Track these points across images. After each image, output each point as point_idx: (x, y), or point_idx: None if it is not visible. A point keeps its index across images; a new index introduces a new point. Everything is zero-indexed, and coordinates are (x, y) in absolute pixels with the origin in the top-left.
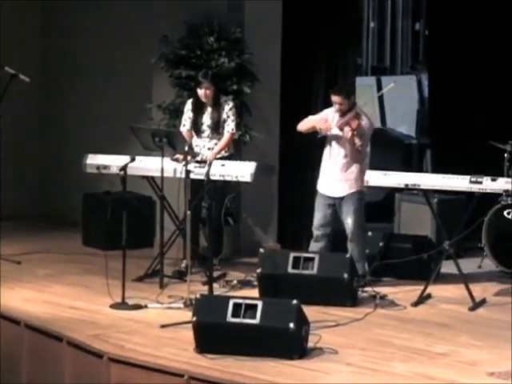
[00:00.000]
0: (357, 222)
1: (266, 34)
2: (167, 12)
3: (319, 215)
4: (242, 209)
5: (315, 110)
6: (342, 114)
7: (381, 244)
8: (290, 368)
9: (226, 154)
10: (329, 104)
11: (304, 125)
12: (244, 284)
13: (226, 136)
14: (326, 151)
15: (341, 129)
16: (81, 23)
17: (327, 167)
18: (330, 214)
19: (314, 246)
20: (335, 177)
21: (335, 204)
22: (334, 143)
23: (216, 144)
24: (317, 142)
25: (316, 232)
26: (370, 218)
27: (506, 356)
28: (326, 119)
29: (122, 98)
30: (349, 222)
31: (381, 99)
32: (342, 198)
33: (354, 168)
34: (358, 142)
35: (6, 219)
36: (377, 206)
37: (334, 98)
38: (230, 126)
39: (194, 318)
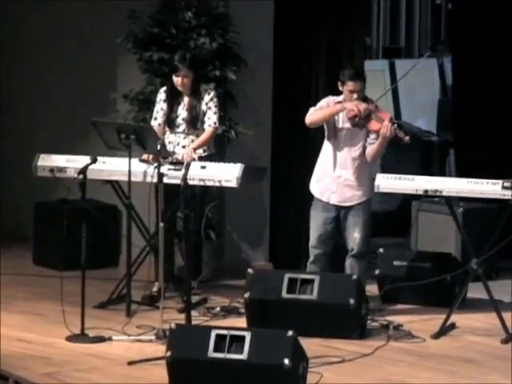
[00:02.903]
0: (366, 236)
1: (256, 8)
2: None
3: (318, 230)
4: (226, 220)
5: (314, 100)
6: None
7: (394, 263)
8: None
9: (206, 153)
10: (331, 92)
11: (318, 116)
12: (229, 311)
13: (208, 131)
14: (328, 147)
15: (356, 124)
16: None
17: (330, 167)
18: (331, 228)
19: (312, 268)
20: (344, 181)
21: (339, 215)
22: (343, 138)
23: (193, 142)
24: (318, 138)
25: (314, 251)
26: (382, 231)
27: None
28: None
29: (81, 86)
30: (356, 236)
31: (395, 87)
32: (349, 207)
33: (368, 170)
34: (406, 137)
35: None
36: (389, 217)
37: (354, 85)
38: (211, 120)
39: (168, 353)
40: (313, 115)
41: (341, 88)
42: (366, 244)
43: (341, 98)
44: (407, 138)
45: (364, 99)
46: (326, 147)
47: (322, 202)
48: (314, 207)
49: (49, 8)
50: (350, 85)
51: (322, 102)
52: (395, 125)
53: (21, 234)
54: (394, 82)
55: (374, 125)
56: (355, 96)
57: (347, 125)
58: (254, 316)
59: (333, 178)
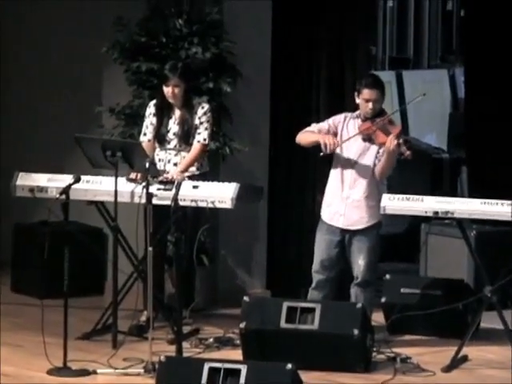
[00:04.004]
0: (371, 263)
1: (253, 15)
2: None
3: (322, 254)
4: (220, 244)
5: (315, 115)
6: (369, 118)
7: (402, 290)
8: None
9: (199, 171)
10: (333, 106)
11: (305, 137)
12: (223, 343)
13: (195, 148)
14: (336, 165)
15: (367, 138)
16: (11, 3)
17: (338, 188)
18: (336, 253)
19: (315, 295)
20: (351, 204)
21: (343, 239)
22: (353, 156)
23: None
24: (318, 156)
25: (317, 277)
26: (388, 256)
27: None
28: (334, 132)
29: (63, 99)
30: (360, 263)
31: (402, 100)
32: (355, 232)
33: (377, 192)
34: (408, 151)
35: None
36: (397, 241)
37: (370, 94)
38: (200, 136)
39: None
40: (300, 135)
41: (357, 99)
42: (371, 272)
43: (357, 113)
44: (408, 152)
45: (380, 112)
46: (335, 166)
47: (327, 224)
48: (319, 229)
49: (33, 15)
50: (365, 93)
51: (330, 120)
52: (400, 139)
53: None
54: (402, 95)
55: (380, 138)
56: (370, 106)
57: (357, 141)
58: (250, 348)
59: (341, 200)
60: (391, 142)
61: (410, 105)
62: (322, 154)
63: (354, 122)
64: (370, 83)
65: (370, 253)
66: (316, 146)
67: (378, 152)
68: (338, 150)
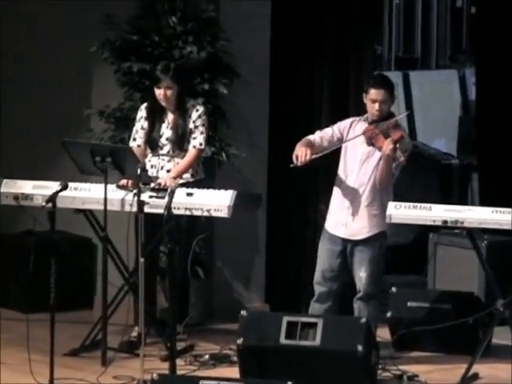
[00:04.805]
0: (373, 275)
1: (250, 12)
2: None
3: (324, 265)
4: (216, 255)
5: (318, 118)
6: (376, 121)
7: (409, 304)
8: None
9: (193, 178)
10: (336, 108)
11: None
12: (219, 360)
13: (190, 153)
14: (340, 173)
15: (370, 142)
16: None
17: (341, 196)
18: (338, 263)
19: (316, 307)
20: (353, 212)
21: (345, 249)
22: (357, 162)
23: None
24: (322, 161)
25: (318, 289)
26: (394, 268)
27: None
28: (339, 138)
29: (50, 102)
30: (362, 275)
31: (409, 103)
32: (357, 242)
33: (380, 200)
34: (402, 156)
35: None
36: (403, 252)
37: (376, 94)
38: (196, 140)
39: None
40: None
41: (365, 100)
42: (373, 284)
43: (365, 116)
44: (402, 159)
45: (389, 115)
46: (339, 172)
47: (329, 234)
48: (322, 238)
49: (18, 12)
50: (372, 93)
51: (335, 126)
52: (397, 144)
53: None
54: (409, 97)
55: (380, 142)
56: (377, 107)
57: (362, 146)
58: (248, 365)
59: (343, 208)
60: (387, 146)
61: (418, 108)
62: (292, 165)
63: (362, 125)
64: (376, 83)
65: (373, 264)
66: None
67: (380, 158)
68: (342, 155)
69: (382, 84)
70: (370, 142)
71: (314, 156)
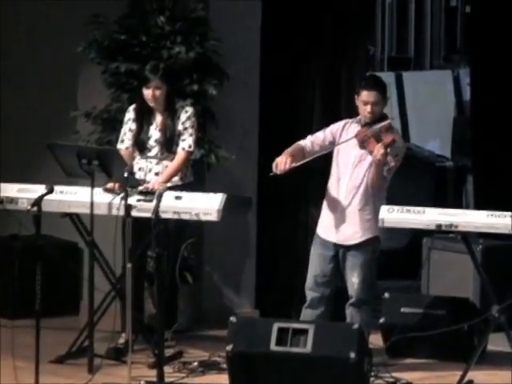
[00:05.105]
0: (366, 281)
1: (240, 11)
2: None
3: (316, 270)
4: (205, 260)
5: (309, 119)
6: (369, 123)
7: (402, 310)
8: None
9: (182, 181)
10: (328, 109)
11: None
12: (208, 367)
13: (179, 156)
14: (333, 176)
15: (362, 145)
16: None
17: (333, 200)
18: (330, 268)
19: (308, 313)
20: (346, 217)
21: (338, 254)
22: (350, 166)
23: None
24: (313, 164)
25: (311, 294)
26: (387, 273)
27: None
28: (331, 141)
29: (35, 103)
30: (354, 281)
31: (402, 104)
32: (349, 247)
33: (373, 205)
34: (392, 161)
35: None
36: (396, 257)
37: (368, 96)
38: (185, 142)
39: None
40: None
41: (357, 102)
42: (366, 290)
43: (358, 118)
44: (392, 164)
45: (381, 117)
46: (332, 176)
47: (321, 238)
48: (314, 243)
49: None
50: (363, 95)
51: (327, 129)
52: (389, 149)
53: None
54: (402, 98)
55: (371, 146)
56: (369, 109)
57: (355, 149)
58: (238, 372)
59: (335, 212)
60: (378, 150)
61: (411, 109)
62: (271, 174)
63: (355, 127)
64: (368, 84)
65: (365, 270)
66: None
67: (372, 161)
68: (334, 158)
69: (373, 85)
70: (363, 145)
71: (293, 164)
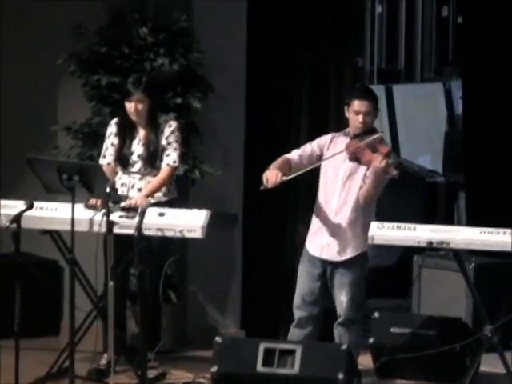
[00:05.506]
0: (355, 299)
1: (225, 21)
2: None
3: (304, 289)
4: (190, 278)
5: (296, 134)
6: (359, 135)
7: (392, 330)
8: None
9: (166, 198)
10: (316, 123)
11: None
12: None
13: (164, 171)
14: (322, 190)
15: (354, 157)
16: None
17: (323, 215)
18: (319, 286)
19: (296, 332)
20: (336, 233)
21: (326, 271)
22: (340, 179)
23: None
24: (300, 180)
25: (298, 313)
26: (377, 291)
27: None
28: (319, 155)
29: (14, 117)
30: (343, 299)
31: (392, 117)
32: (338, 264)
33: (363, 219)
34: (395, 171)
35: None
36: (386, 275)
37: (360, 105)
38: (170, 158)
39: None
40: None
41: (347, 113)
42: (354, 309)
43: (346, 131)
44: (395, 172)
45: (371, 131)
46: (320, 190)
47: (310, 255)
48: (302, 260)
49: None
50: (355, 104)
51: (314, 142)
52: (390, 159)
53: None
54: (392, 112)
55: (367, 156)
56: (361, 119)
57: (344, 162)
58: None
59: (326, 228)
60: (380, 161)
61: (401, 122)
62: (261, 187)
63: (343, 140)
64: (360, 93)
65: (354, 288)
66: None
67: (364, 174)
68: (322, 173)
69: (365, 95)
70: (354, 156)
71: (284, 178)
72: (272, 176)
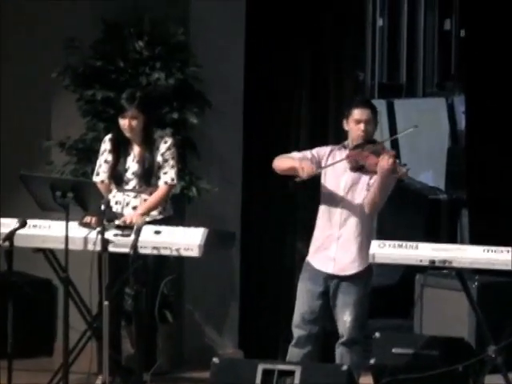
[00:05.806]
0: (359, 319)
1: (223, 35)
2: (76, 4)
3: (303, 307)
4: (186, 298)
5: (295, 151)
6: (359, 146)
7: (394, 350)
8: None
9: (161, 215)
10: (315, 140)
11: (282, 162)
12: None
13: (161, 189)
14: (324, 203)
15: (356, 166)
16: None
17: (327, 232)
18: (319, 305)
19: (295, 352)
20: (343, 245)
21: (328, 290)
22: (339, 192)
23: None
24: (300, 196)
25: (298, 332)
26: (379, 311)
27: None
28: (314, 159)
29: (7, 132)
30: (346, 319)
31: (394, 133)
32: (343, 278)
33: (368, 228)
34: (404, 169)
35: None
36: (388, 294)
37: (361, 114)
38: (167, 175)
39: None
40: (277, 160)
41: (346, 126)
42: (358, 329)
43: (344, 143)
44: (404, 170)
45: (371, 142)
46: (322, 204)
47: (313, 271)
48: (302, 278)
49: None
50: (355, 113)
51: (314, 150)
52: (397, 160)
53: None
54: (393, 127)
55: (373, 160)
56: (362, 127)
57: (346, 173)
58: None
59: (330, 242)
60: (387, 160)
61: (403, 138)
62: (297, 179)
63: (341, 153)
64: (361, 102)
65: (358, 307)
66: (296, 189)
67: (368, 184)
68: (322, 186)
69: (366, 104)
70: (357, 165)
71: (318, 171)
72: (308, 167)
